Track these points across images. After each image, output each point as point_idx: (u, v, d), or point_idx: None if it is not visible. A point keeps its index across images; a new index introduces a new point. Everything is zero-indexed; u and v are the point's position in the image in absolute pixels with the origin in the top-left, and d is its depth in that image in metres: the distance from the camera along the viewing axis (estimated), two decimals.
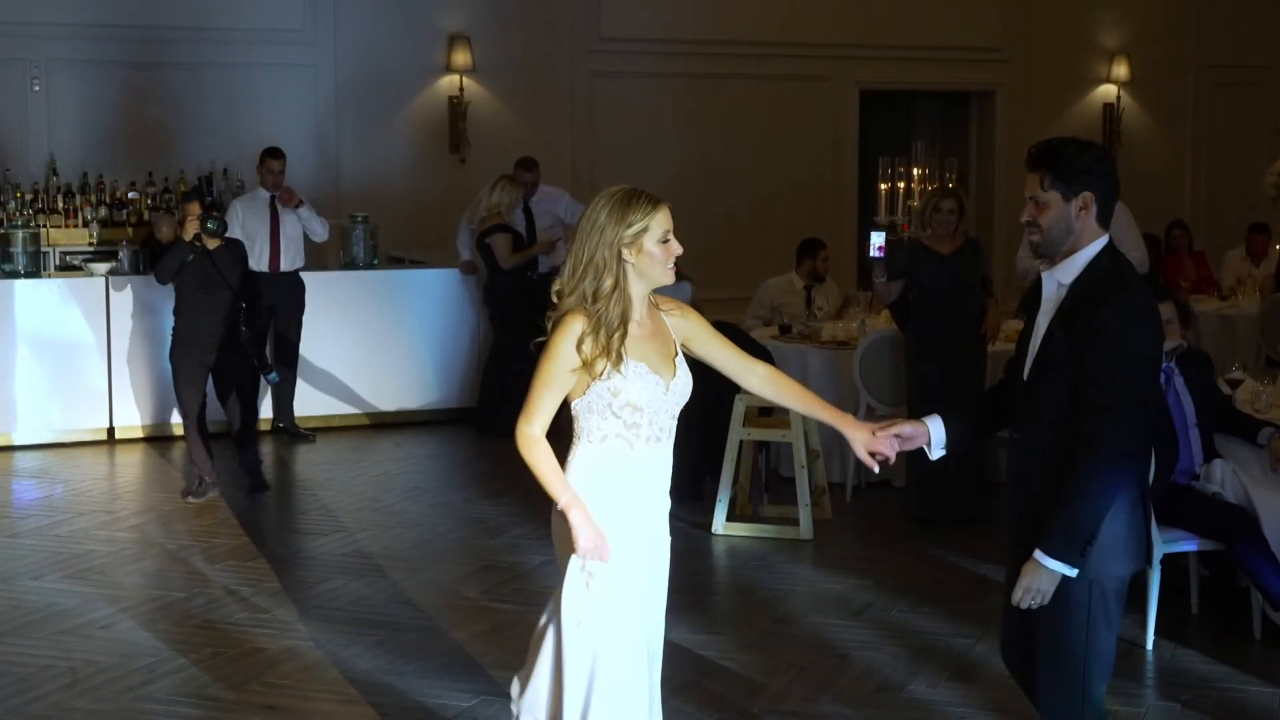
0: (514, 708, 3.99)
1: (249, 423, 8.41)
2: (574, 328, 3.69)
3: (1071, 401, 3.62)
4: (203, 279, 8.05)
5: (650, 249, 3.73)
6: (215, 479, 8.20)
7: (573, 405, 3.77)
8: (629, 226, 3.71)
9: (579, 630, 3.76)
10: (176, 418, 9.72)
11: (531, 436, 3.74)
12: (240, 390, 8.33)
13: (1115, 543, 3.65)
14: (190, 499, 8.10)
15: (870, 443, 3.89)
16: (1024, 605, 3.65)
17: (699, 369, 3.94)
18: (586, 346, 3.68)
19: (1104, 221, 3.73)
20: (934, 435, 3.90)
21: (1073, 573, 3.60)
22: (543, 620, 3.93)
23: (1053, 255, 3.73)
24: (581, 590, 3.76)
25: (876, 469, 3.99)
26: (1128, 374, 3.58)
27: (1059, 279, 3.73)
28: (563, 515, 3.75)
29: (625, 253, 3.71)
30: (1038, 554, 3.61)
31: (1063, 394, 3.64)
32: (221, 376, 8.26)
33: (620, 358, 3.70)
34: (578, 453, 3.80)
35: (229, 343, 8.17)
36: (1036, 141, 3.79)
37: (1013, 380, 3.90)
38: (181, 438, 9.66)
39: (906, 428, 3.88)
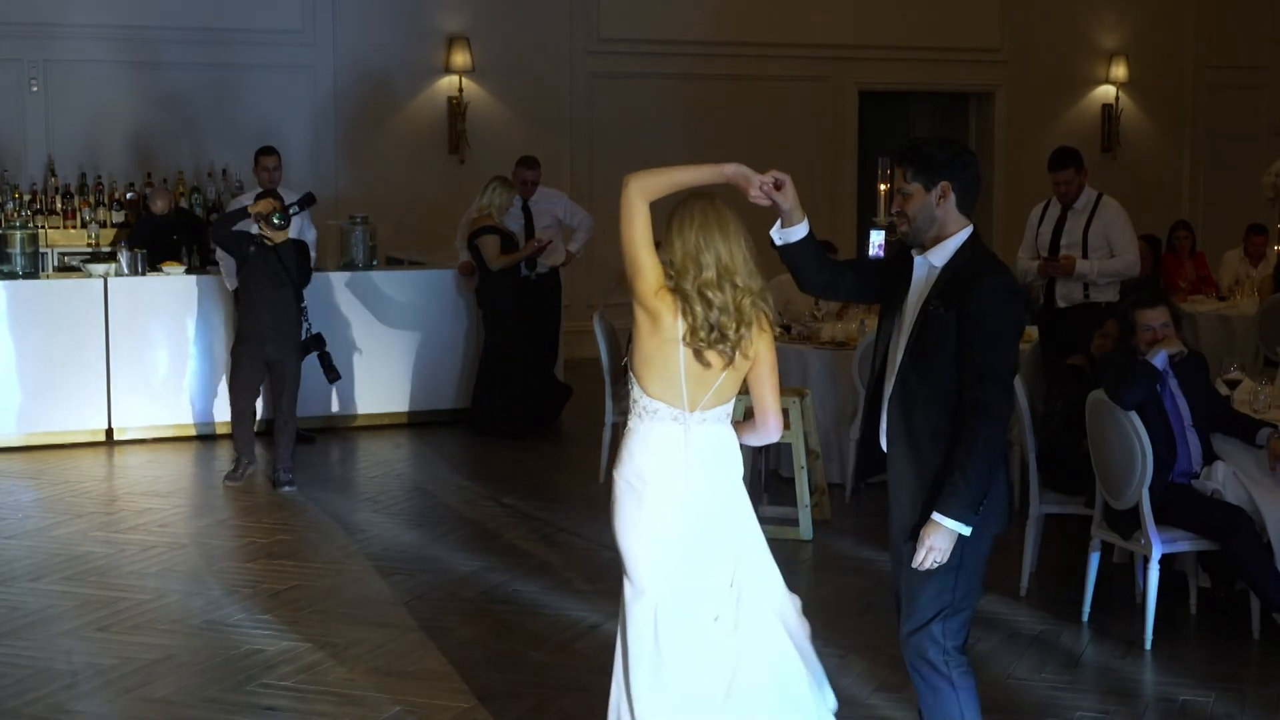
0: None
1: (292, 416, 8.57)
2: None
3: (958, 376, 3.84)
4: (268, 273, 8.34)
5: None
6: (254, 459, 8.60)
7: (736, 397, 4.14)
8: None
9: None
10: (175, 418, 9.77)
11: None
12: (292, 386, 8.55)
13: (986, 504, 3.90)
14: (230, 483, 8.44)
15: (751, 178, 4.03)
16: (927, 565, 3.90)
17: None
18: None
19: (965, 209, 3.98)
20: (792, 231, 4.09)
21: (968, 531, 3.87)
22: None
23: (921, 242, 3.99)
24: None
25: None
26: (1005, 347, 3.88)
27: (931, 261, 3.98)
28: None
29: None
30: (936, 516, 3.86)
31: (949, 370, 3.86)
32: (277, 370, 8.50)
33: None
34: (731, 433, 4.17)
35: (288, 338, 8.47)
36: (904, 142, 4.07)
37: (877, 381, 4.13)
38: (182, 439, 9.73)
39: (786, 203, 4.04)
